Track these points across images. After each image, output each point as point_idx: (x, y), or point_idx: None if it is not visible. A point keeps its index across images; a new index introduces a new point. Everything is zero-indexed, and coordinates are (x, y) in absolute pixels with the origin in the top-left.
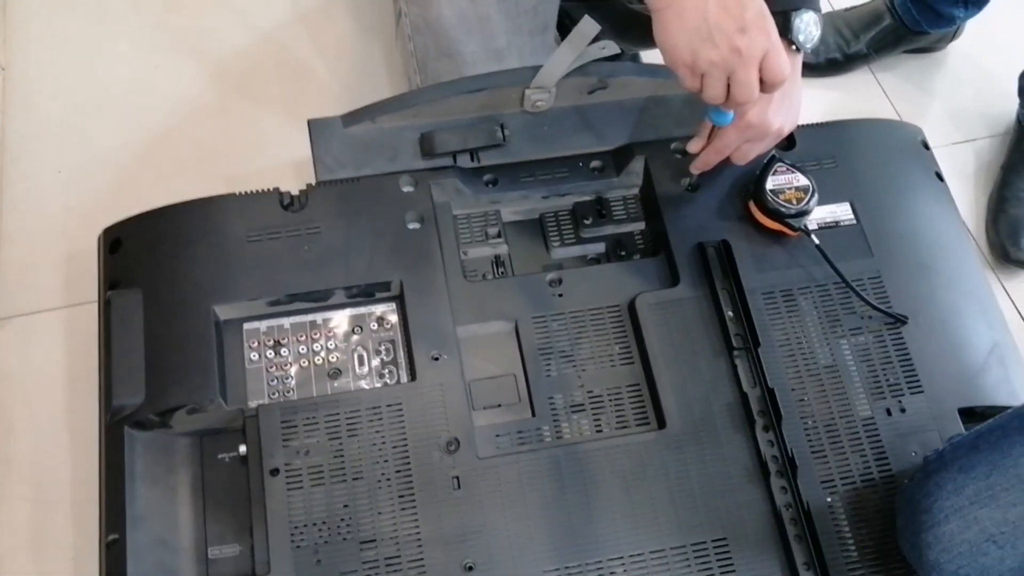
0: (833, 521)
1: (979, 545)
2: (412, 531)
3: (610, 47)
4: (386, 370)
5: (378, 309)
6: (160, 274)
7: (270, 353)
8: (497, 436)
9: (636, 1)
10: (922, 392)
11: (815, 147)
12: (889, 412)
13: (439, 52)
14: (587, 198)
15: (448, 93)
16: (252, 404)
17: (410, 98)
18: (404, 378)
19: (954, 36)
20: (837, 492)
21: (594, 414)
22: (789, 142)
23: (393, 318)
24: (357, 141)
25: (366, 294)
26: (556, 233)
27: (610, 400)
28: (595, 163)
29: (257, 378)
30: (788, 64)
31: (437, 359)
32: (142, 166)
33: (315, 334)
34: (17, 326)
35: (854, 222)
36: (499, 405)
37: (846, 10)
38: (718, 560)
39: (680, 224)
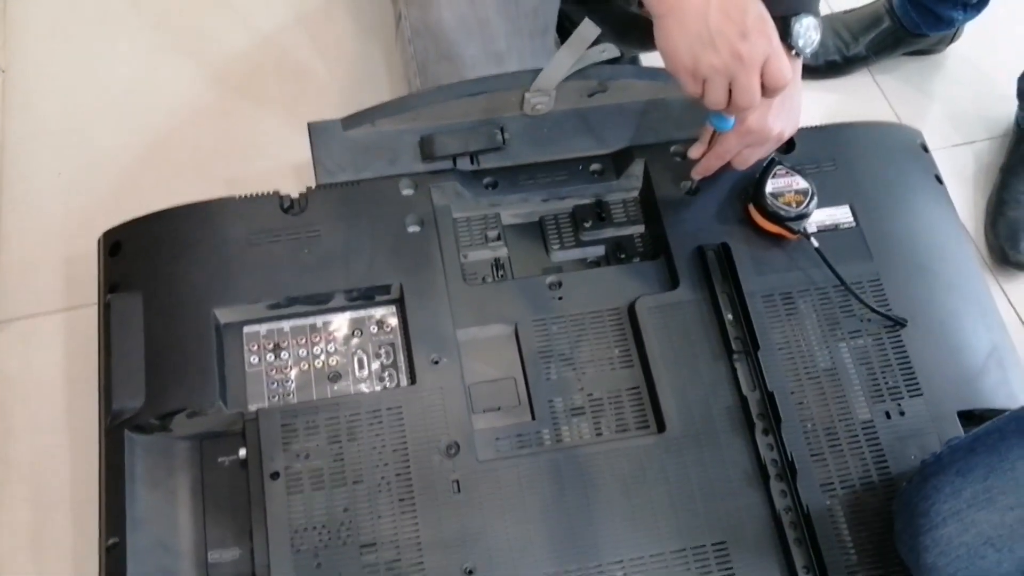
0: (832, 525)
1: (977, 548)
2: (412, 535)
3: (610, 50)
4: (386, 373)
5: (378, 312)
6: (160, 277)
7: (270, 356)
8: (497, 439)
9: (636, 4)
10: (921, 395)
11: (815, 150)
12: (888, 415)
13: (439, 55)
14: (587, 201)
15: (448, 96)
16: (252, 408)
17: (410, 101)
18: (404, 381)
19: (953, 38)
20: (837, 496)
21: (594, 417)
22: (789, 145)
23: (393, 321)
24: (357, 144)
25: (366, 297)
26: (556, 236)
27: (610, 403)
28: (595, 166)
29: (257, 381)
30: (789, 69)
31: (437, 362)
32: (142, 168)
33: (315, 337)
34: (17, 329)
35: (853, 225)
36: (499, 408)
37: (845, 12)
38: (718, 564)
39: (680, 227)
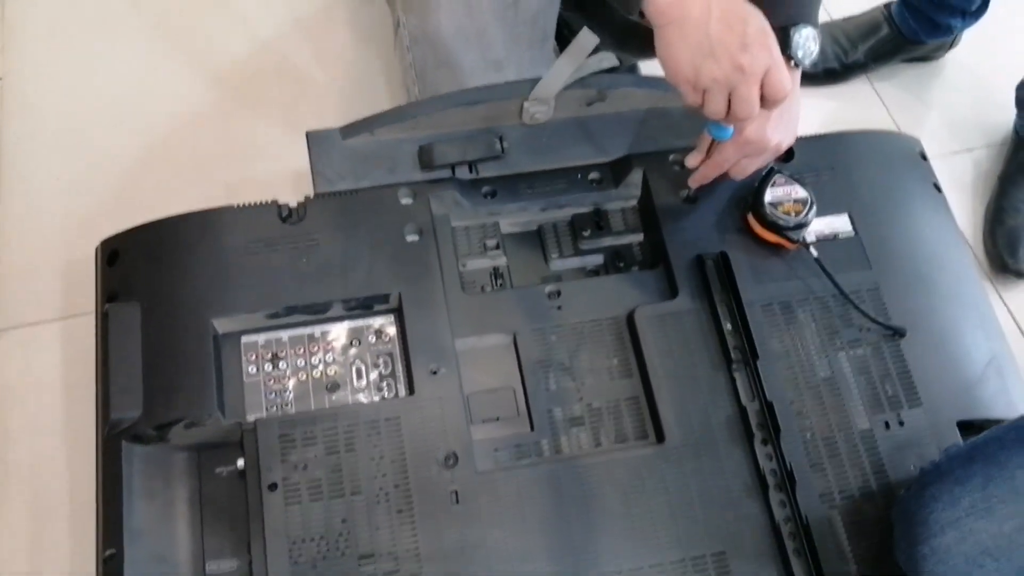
0: (832, 535)
1: (975, 558)
2: (411, 546)
3: (608, 59)
4: (384, 383)
5: (376, 322)
6: (158, 287)
7: (268, 366)
8: (496, 450)
9: (636, 14)
10: (920, 405)
11: (813, 159)
12: (887, 425)
13: (437, 62)
14: (586, 210)
15: (447, 105)
16: (250, 418)
17: (409, 110)
18: (402, 391)
19: (951, 45)
20: (836, 506)
21: (593, 427)
22: (787, 154)
23: (391, 331)
24: (356, 153)
25: (364, 307)
26: (555, 245)
27: (609, 413)
28: (594, 175)
29: (255, 391)
30: (789, 81)
31: (435, 372)
32: (141, 172)
33: (313, 347)
34: (15, 337)
35: (852, 234)
36: (498, 418)
37: (844, 20)
38: (717, 574)
39: (679, 236)
